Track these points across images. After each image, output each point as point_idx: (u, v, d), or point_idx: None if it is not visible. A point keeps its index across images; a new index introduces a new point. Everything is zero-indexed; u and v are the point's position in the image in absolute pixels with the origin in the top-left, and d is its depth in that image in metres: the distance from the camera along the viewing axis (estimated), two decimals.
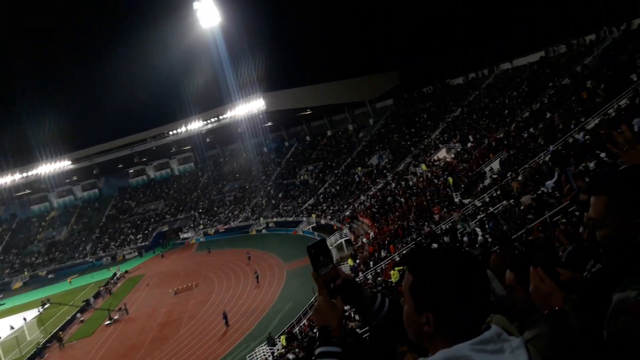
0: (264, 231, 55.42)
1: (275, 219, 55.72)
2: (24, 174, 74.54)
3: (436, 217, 26.06)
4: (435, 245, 18.94)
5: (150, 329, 32.80)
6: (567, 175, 2.69)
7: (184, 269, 48.72)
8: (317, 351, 1.67)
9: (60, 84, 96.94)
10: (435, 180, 32.32)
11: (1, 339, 36.69)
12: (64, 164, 74.94)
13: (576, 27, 38.91)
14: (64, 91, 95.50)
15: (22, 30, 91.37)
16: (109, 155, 74.76)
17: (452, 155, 36.06)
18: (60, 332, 36.68)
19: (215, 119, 70.60)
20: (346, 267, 31.37)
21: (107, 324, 36.48)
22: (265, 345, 25.19)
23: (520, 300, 2.47)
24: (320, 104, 59.60)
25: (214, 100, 70.66)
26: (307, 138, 69.97)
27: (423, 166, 37.64)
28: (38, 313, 44.25)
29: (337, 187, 51.93)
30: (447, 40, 52.43)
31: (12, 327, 39.52)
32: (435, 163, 36.75)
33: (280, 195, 60.30)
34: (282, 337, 24.78)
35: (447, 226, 22.61)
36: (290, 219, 53.06)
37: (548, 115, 28.64)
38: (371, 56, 62.74)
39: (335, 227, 42.21)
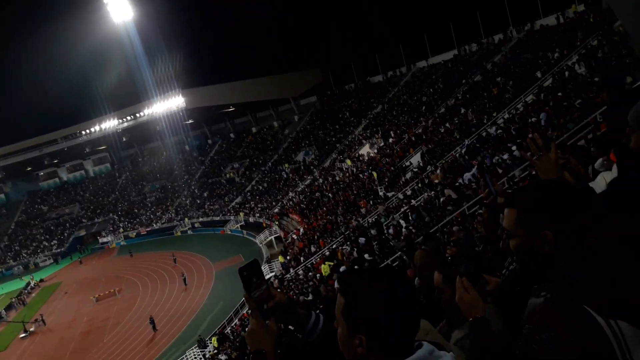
0: (189, 232, 54.08)
1: (201, 219, 54.56)
2: None
3: (363, 210, 26.90)
4: (363, 240, 19.61)
5: (71, 339, 31.17)
6: (486, 179, 2.92)
7: (104, 274, 46.49)
8: None
9: None
10: (361, 175, 33.30)
11: None
12: None
13: (485, 27, 41.68)
14: None
15: None
16: (15, 157, 69.42)
17: (375, 151, 37.29)
18: None
19: (132, 117, 67.89)
20: (277, 263, 31.59)
21: (23, 337, 34.34)
22: (195, 347, 24.80)
23: (448, 300, 2.57)
24: (243, 100, 59.12)
25: (130, 97, 67.84)
26: (232, 135, 69.06)
27: (348, 161, 38.60)
28: None
29: (265, 185, 51.82)
30: (366, 38, 54.06)
31: None
32: (360, 158, 37.81)
33: (205, 195, 59.12)
34: (214, 339, 24.51)
35: (374, 219, 23.43)
36: (217, 218, 52.18)
37: (462, 110, 30.44)
38: (293, 53, 63.22)
39: (264, 225, 42.16)
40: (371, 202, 27.30)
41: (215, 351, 22.90)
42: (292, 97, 60.80)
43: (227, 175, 60.53)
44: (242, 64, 66.15)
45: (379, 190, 28.28)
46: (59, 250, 61.83)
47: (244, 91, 58.16)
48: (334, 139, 48.94)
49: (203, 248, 45.19)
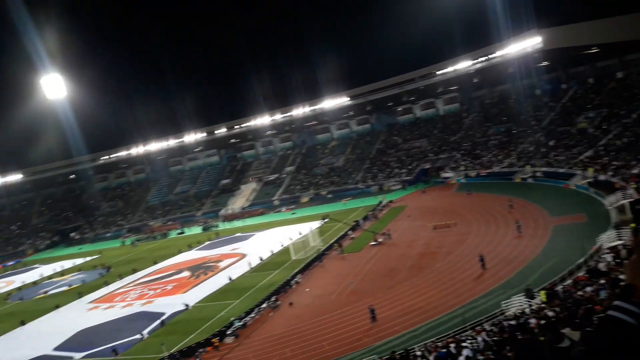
0: (529, 180, 52.77)
1: (543, 169, 52.23)
2: (312, 108, 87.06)
3: None
4: None
5: (410, 257, 35.64)
6: None
7: (442, 206, 50.56)
8: (614, 303, 1.70)
9: (342, 28, 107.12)
10: None
11: (292, 240, 45.16)
12: (342, 100, 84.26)
13: None
14: (345, 34, 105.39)
15: None
16: (380, 93, 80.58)
17: None
18: (336, 244, 43.26)
19: (484, 58, 68.55)
20: (628, 231, 28.08)
21: (373, 245, 41.17)
22: (522, 296, 24.95)
23: None
24: (610, 40, 51.49)
25: (483, 38, 68.22)
26: (590, 80, 61.92)
27: None
28: (319, 225, 52.63)
29: (625, 140, 45.21)
30: None
31: (300, 233, 48.29)
32: None
33: (551, 143, 55.82)
34: (542, 293, 24.04)
35: None
36: (562, 170, 49.00)
37: None
38: None
39: (617, 186, 37.37)
40: None
41: (543, 305, 22.64)
42: None
43: (579, 125, 55.20)
44: None
45: None
46: (406, 178, 70.26)
47: (613, 29, 50.51)
48: None
49: (542, 199, 43.67)
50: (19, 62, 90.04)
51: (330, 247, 43.03)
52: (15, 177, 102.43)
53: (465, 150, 68.34)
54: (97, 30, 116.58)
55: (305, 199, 76.84)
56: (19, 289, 55.10)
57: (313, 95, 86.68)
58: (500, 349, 15.27)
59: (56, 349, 31.48)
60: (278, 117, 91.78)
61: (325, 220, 55.69)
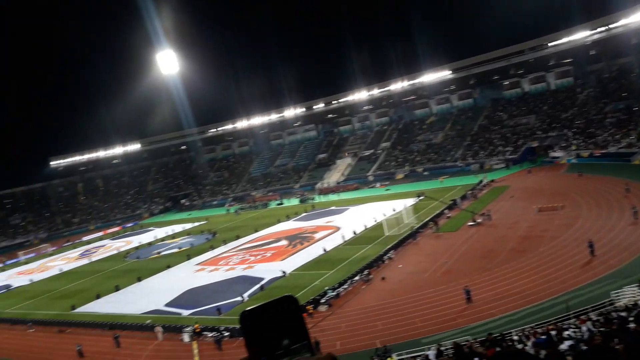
0: None
1: None
2: (411, 82, 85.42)
3: None
4: None
5: (510, 239, 34.15)
6: None
7: (550, 188, 47.78)
8: None
9: None
10: None
11: (386, 216, 45.24)
12: (444, 74, 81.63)
13: None
14: (449, 3, 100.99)
15: None
16: (485, 66, 76.93)
17: None
18: (431, 223, 42.62)
19: (604, 28, 62.89)
20: None
21: (470, 225, 39.99)
22: (635, 287, 23.17)
23: None
24: None
25: (604, 5, 62.31)
26: None
27: None
28: (414, 202, 52.08)
29: None
30: None
31: (394, 209, 48.20)
32: None
33: None
34: None
35: None
36: None
37: None
38: None
39: None
40: None
41: None
42: None
43: None
44: None
45: None
46: (511, 157, 66.80)
47: None
48: None
49: None
50: (139, 40, 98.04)
51: (425, 225, 42.50)
52: (134, 147, 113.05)
53: (577, 129, 63.31)
54: (208, 9, 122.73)
55: (400, 176, 76.12)
56: (136, 248, 61.25)
57: (412, 69, 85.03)
58: (607, 340, 14.42)
59: (167, 304, 34.69)
60: (375, 92, 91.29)
61: (421, 197, 54.96)
